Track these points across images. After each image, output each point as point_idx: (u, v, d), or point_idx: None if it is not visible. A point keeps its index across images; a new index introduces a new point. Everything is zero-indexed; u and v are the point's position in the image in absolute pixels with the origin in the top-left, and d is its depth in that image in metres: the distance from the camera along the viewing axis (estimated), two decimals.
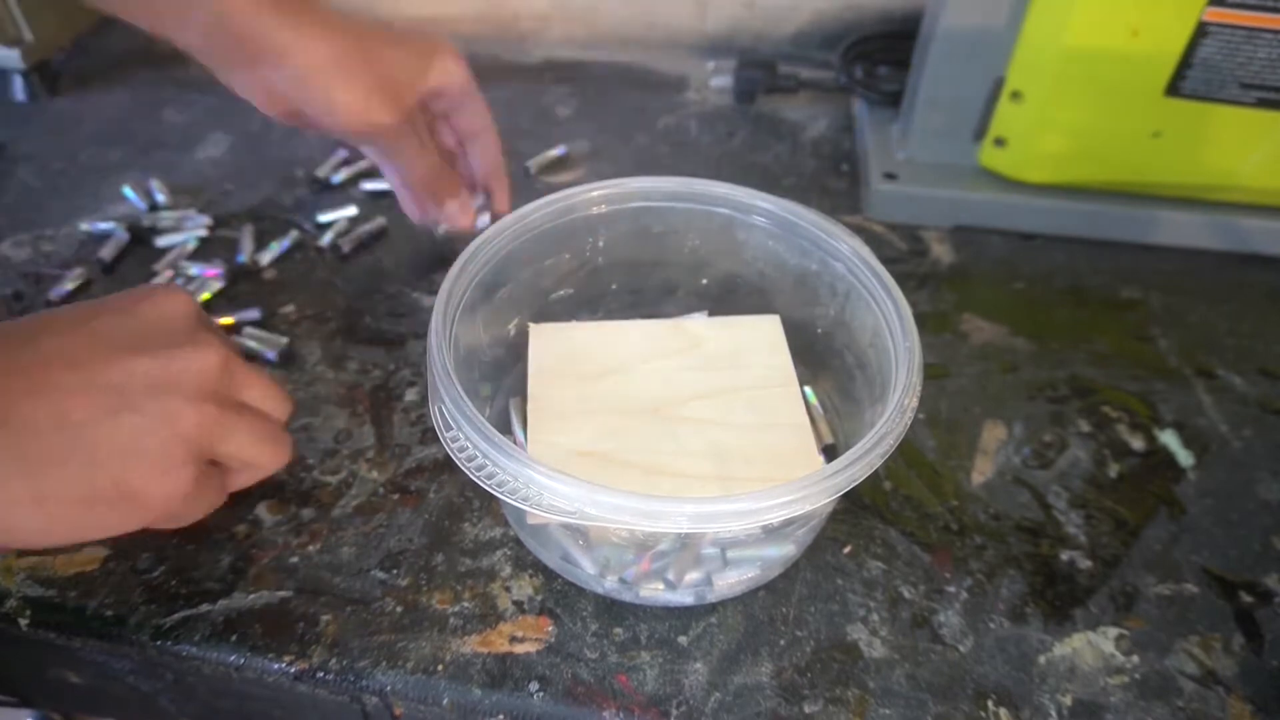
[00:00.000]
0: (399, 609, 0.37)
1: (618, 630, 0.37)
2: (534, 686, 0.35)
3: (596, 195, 0.42)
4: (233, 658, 0.36)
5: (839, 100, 0.72)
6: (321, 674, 0.35)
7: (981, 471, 0.44)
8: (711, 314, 0.46)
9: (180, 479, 0.32)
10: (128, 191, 0.59)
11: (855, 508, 0.42)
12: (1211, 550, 0.41)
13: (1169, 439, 0.46)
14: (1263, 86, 0.52)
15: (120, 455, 0.31)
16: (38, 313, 0.33)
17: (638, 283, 0.47)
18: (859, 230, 0.44)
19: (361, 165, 0.62)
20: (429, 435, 0.44)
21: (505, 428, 0.42)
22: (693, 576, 0.37)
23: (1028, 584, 0.40)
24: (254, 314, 0.50)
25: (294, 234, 0.56)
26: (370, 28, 0.43)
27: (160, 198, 0.59)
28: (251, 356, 0.48)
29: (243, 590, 0.38)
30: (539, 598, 0.38)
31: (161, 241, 0.55)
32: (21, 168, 0.62)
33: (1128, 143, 0.55)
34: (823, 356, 0.44)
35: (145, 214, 0.58)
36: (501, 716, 0.35)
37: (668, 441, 0.38)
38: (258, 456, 0.36)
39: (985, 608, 0.39)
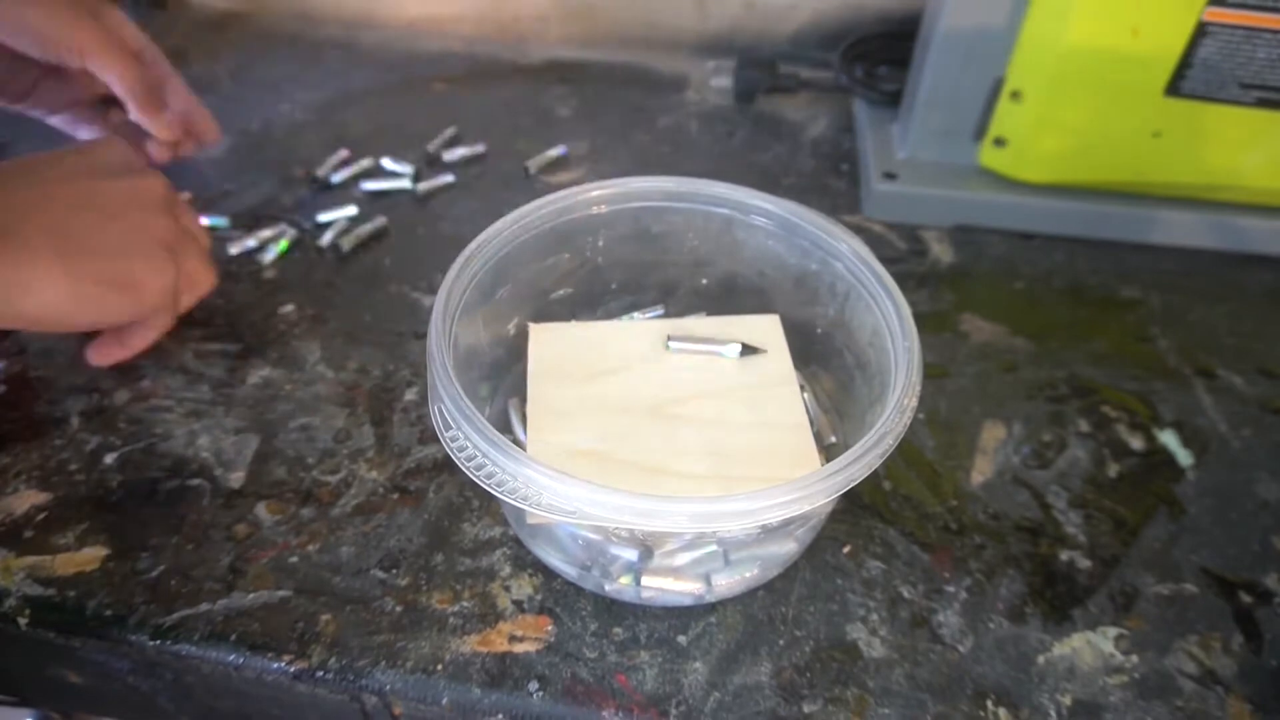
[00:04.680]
0: (398, 608, 0.37)
1: (617, 630, 0.37)
2: (533, 686, 0.35)
3: (596, 195, 0.42)
4: (232, 657, 0.36)
5: (839, 100, 0.72)
6: (321, 673, 0.35)
7: (981, 471, 0.44)
8: (711, 314, 0.46)
9: (167, 274, 0.43)
10: None
11: (855, 507, 0.42)
12: (1211, 550, 0.41)
13: (1168, 439, 0.46)
14: (1263, 86, 0.52)
15: (124, 252, 0.41)
16: (19, 158, 0.42)
17: (638, 283, 0.47)
18: (859, 230, 0.44)
19: (362, 165, 0.62)
20: (429, 435, 0.44)
21: (505, 428, 0.42)
22: (691, 579, 0.37)
23: (1027, 584, 0.40)
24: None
25: (294, 234, 0.56)
26: None
27: None
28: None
29: (242, 590, 0.38)
30: (538, 597, 0.38)
31: None
32: None
33: (1127, 142, 0.55)
34: (823, 356, 0.44)
35: None
36: (501, 716, 0.35)
37: (668, 441, 0.38)
38: (202, 270, 0.47)
39: (984, 608, 0.39)
